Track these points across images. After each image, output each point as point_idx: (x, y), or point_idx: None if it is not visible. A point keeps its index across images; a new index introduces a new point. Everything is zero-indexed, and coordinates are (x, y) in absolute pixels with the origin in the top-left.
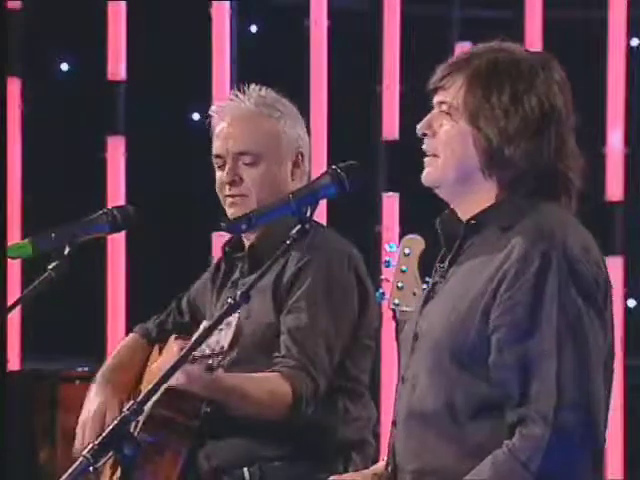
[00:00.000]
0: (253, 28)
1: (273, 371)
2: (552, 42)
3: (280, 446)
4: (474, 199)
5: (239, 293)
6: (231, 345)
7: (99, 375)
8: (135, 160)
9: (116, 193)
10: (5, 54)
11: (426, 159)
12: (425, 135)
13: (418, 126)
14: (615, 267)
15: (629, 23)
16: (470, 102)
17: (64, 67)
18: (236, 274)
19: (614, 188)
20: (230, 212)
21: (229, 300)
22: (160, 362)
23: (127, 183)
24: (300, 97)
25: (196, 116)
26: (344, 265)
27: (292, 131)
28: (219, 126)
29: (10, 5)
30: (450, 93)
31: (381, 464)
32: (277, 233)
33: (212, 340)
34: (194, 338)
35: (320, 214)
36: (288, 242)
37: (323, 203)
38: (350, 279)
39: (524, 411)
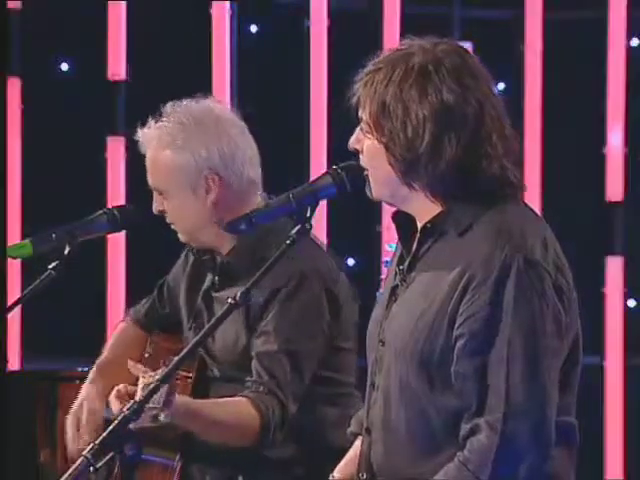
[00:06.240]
0: (253, 28)
1: (242, 396)
2: (552, 42)
3: (273, 453)
4: (420, 208)
5: (239, 293)
6: (165, 403)
7: (94, 369)
8: (135, 160)
9: (116, 193)
10: (5, 54)
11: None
12: (357, 151)
13: (349, 141)
14: (615, 267)
15: (629, 23)
16: (373, 118)
17: (64, 67)
18: (206, 283)
19: (614, 188)
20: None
21: (229, 300)
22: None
23: (127, 183)
24: (300, 97)
25: None
26: (313, 285)
27: (188, 158)
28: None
29: (10, 5)
30: (362, 109)
31: (345, 463)
32: (250, 248)
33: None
34: (194, 341)
35: (320, 214)
36: (288, 242)
37: (323, 203)
38: (319, 297)
39: (476, 422)
